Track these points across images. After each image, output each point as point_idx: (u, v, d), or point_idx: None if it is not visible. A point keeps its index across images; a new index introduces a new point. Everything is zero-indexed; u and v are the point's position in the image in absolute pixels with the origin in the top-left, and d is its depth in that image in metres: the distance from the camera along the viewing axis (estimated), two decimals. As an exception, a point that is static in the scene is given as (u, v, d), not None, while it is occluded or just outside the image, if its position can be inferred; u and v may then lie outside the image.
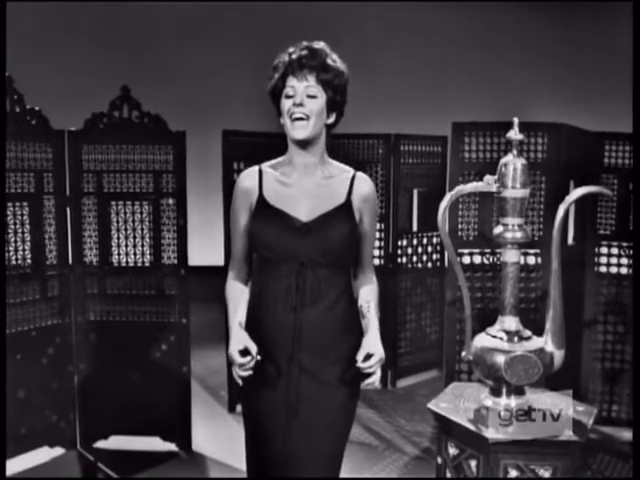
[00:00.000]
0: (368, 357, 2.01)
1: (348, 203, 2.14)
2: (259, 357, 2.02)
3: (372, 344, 2.04)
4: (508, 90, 7.14)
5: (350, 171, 2.19)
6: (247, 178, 2.19)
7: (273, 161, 2.21)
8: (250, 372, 2.03)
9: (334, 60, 2.09)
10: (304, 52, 2.06)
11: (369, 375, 2.03)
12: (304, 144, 2.10)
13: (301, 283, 2.08)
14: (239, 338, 2.04)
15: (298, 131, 2.07)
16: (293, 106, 2.05)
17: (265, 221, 2.11)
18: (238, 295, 2.20)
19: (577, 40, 7.63)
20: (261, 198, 2.14)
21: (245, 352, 2.02)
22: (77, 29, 7.22)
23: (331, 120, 2.13)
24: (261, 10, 7.30)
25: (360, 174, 2.20)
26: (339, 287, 2.12)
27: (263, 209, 2.13)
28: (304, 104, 2.05)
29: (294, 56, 2.06)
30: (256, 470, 2.20)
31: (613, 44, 7.00)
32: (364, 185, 2.18)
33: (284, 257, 2.08)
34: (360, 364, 2.01)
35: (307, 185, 2.14)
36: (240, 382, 2.06)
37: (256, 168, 2.20)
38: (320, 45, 2.10)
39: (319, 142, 2.13)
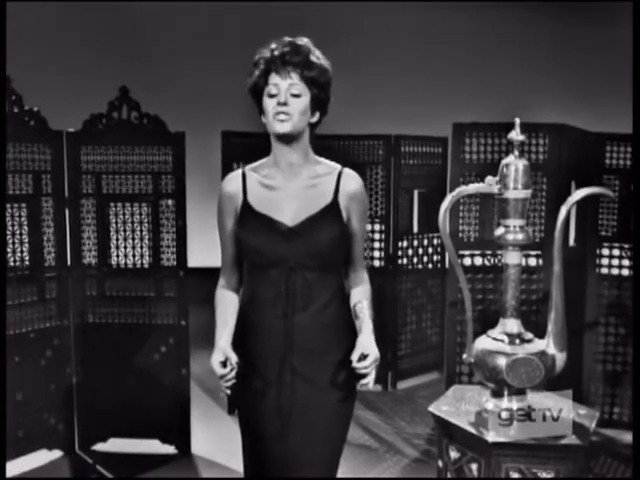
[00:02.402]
0: (363, 357, 1.97)
1: (335, 203, 2.09)
2: (237, 366, 1.99)
3: (367, 344, 1.99)
4: (509, 91, 7.12)
5: (337, 168, 2.14)
6: (231, 182, 2.15)
7: (256, 163, 2.17)
8: (231, 382, 1.99)
9: (317, 57, 2.03)
10: (287, 48, 2.00)
11: (364, 376, 1.98)
12: (287, 140, 2.05)
13: (291, 288, 2.05)
14: (220, 349, 2.01)
15: (280, 125, 2.00)
16: (277, 105, 1.99)
17: (251, 226, 2.08)
18: (226, 305, 2.16)
19: (578, 40, 7.61)
20: (245, 203, 2.10)
21: (227, 363, 1.99)
22: (76, 29, 7.20)
23: (315, 119, 2.08)
24: (261, 10, 7.29)
25: (347, 170, 2.14)
26: (330, 290, 2.09)
27: (248, 214, 2.09)
28: (288, 103, 1.99)
29: (276, 52, 2.00)
30: (253, 474, 2.18)
31: (613, 44, 6.99)
32: (351, 182, 2.12)
33: (272, 262, 2.05)
34: (355, 364, 1.96)
35: (292, 188, 2.09)
36: (228, 392, 2.03)
37: (239, 171, 2.17)
38: (303, 41, 2.04)
39: (303, 139, 2.07)
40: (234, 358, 1.99)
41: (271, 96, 2.01)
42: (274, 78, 2.00)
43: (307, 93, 2.02)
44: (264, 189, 2.11)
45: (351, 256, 2.18)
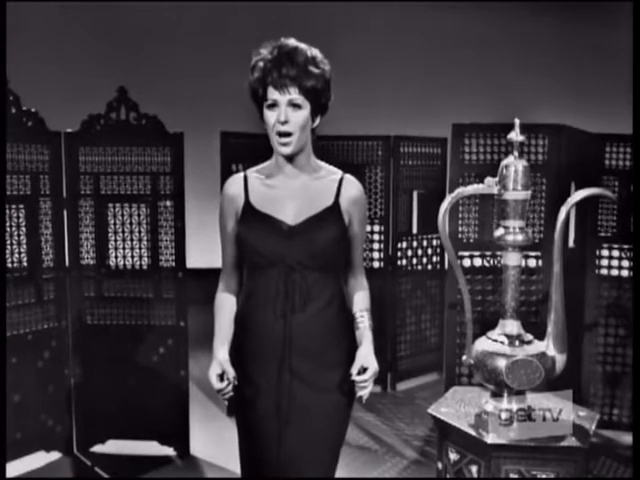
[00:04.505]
0: (363, 370, 2.00)
1: (336, 205, 2.09)
2: (236, 382, 2.02)
3: (366, 357, 2.03)
4: (509, 91, 7.12)
5: (338, 173, 2.15)
6: (232, 185, 2.15)
7: (258, 166, 2.17)
8: (229, 395, 2.02)
9: (315, 63, 2.00)
10: (283, 59, 1.96)
11: (361, 387, 2.02)
12: (290, 156, 2.06)
13: (290, 287, 2.05)
14: (218, 361, 2.03)
15: (283, 148, 2.02)
16: (278, 123, 1.99)
17: (252, 226, 2.08)
18: (224, 313, 2.16)
19: (577, 41, 7.61)
20: (247, 203, 2.11)
21: (224, 376, 2.02)
22: (74, 29, 7.20)
23: (316, 124, 2.08)
24: (261, 10, 7.29)
25: (348, 176, 2.15)
26: (329, 291, 2.09)
27: (250, 214, 2.10)
28: (288, 120, 1.99)
29: (273, 65, 1.97)
30: (250, 475, 2.18)
31: (613, 45, 6.99)
32: (352, 188, 2.13)
33: (272, 261, 2.05)
34: (355, 377, 2.00)
35: (293, 187, 2.10)
36: (226, 403, 2.06)
37: (241, 174, 2.17)
38: (299, 49, 2.00)
39: (305, 148, 2.08)
40: (231, 372, 2.01)
41: (270, 107, 2.00)
42: (273, 93, 1.98)
43: (307, 104, 2.01)
44: (266, 189, 2.12)
45: (351, 262, 2.19)
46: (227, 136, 4.28)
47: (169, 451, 3.85)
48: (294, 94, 1.98)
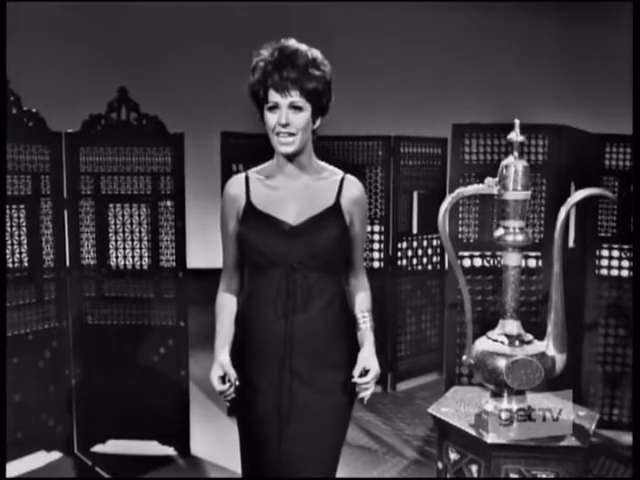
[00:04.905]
0: (365, 372, 2.02)
1: (337, 205, 2.10)
2: (237, 383, 2.03)
3: (368, 359, 2.04)
4: (509, 92, 7.12)
5: (339, 173, 2.15)
6: (234, 185, 2.16)
7: (259, 167, 2.18)
8: (231, 397, 2.04)
9: (316, 65, 2.00)
10: (284, 62, 1.96)
11: (363, 389, 2.03)
12: (291, 155, 2.06)
13: (291, 287, 2.05)
14: (220, 363, 2.04)
15: (284, 147, 2.02)
16: (279, 125, 1.99)
17: (253, 226, 2.09)
18: (225, 314, 2.17)
19: (578, 41, 7.62)
20: (249, 204, 2.11)
21: (225, 379, 2.03)
22: (75, 30, 7.20)
23: (317, 124, 2.08)
24: (262, 10, 7.29)
25: (349, 177, 2.15)
26: (330, 291, 2.10)
27: (251, 214, 2.10)
28: (290, 122, 1.99)
29: (274, 67, 1.96)
30: (251, 475, 2.19)
31: (613, 45, 6.99)
32: (353, 188, 2.13)
33: (274, 261, 2.05)
34: (357, 379, 2.01)
35: (295, 188, 2.10)
36: (227, 404, 2.09)
37: (242, 175, 2.17)
38: (300, 50, 1.99)
39: (306, 148, 2.08)
40: (233, 375, 2.02)
41: (271, 109, 2.00)
42: (274, 96, 1.98)
43: (308, 106, 2.01)
44: (267, 189, 2.12)
45: (352, 262, 2.19)
46: (227, 136, 4.28)
47: (170, 451, 3.85)
48: (295, 97, 1.98)
